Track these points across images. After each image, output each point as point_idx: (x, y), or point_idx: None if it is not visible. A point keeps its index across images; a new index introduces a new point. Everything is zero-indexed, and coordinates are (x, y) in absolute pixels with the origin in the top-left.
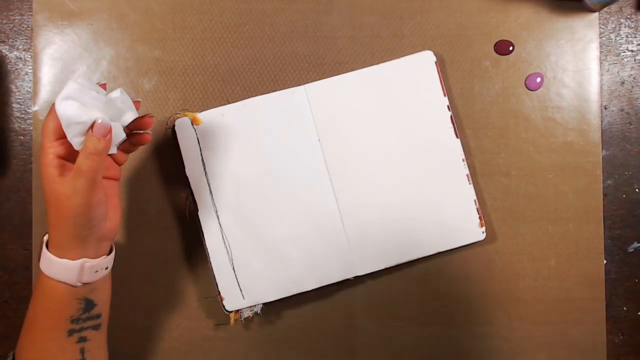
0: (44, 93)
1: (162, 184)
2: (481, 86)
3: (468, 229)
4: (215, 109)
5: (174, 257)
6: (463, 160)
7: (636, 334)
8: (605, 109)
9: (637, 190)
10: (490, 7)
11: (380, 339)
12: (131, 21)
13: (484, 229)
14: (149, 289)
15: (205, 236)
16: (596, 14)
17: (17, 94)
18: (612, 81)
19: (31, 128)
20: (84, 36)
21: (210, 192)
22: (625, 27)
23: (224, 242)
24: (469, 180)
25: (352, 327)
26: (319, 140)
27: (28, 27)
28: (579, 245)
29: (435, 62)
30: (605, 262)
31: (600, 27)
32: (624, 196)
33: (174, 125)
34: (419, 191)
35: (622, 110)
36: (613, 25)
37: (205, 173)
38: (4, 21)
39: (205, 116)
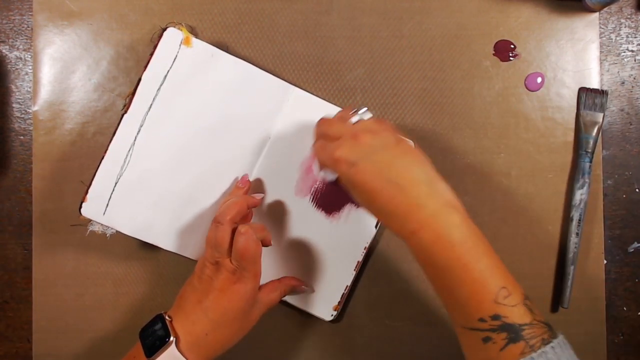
0: (44, 93)
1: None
2: (481, 86)
3: (323, 304)
4: (211, 46)
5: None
6: (364, 249)
7: (636, 334)
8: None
9: (637, 190)
10: (490, 7)
11: (380, 339)
12: (131, 21)
13: (335, 313)
14: None
15: (114, 138)
16: (596, 14)
17: (17, 94)
18: (612, 81)
19: (31, 128)
20: (84, 36)
21: (150, 108)
22: (625, 27)
23: (126, 156)
24: (355, 268)
25: (352, 327)
26: (269, 137)
27: (28, 27)
28: (579, 245)
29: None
30: (605, 262)
31: (600, 27)
32: (624, 196)
33: (165, 29)
34: (317, 245)
35: (622, 110)
36: (613, 25)
37: (158, 90)
38: (4, 21)
39: (197, 44)
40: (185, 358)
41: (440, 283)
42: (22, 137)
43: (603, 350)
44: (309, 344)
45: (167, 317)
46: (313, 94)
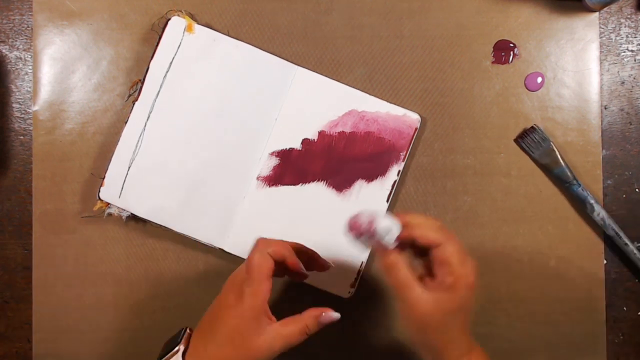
0: (44, 93)
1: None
2: (481, 86)
3: (339, 282)
4: (213, 31)
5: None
6: None
7: (636, 334)
8: (606, 109)
9: (637, 190)
10: (490, 7)
11: (380, 339)
12: (131, 21)
13: (352, 290)
14: None
15: (127, 124)
16: (596, 14)
17: (17, 94)
18: (612, 81)
19: (31, 128)
20: (84, 36)
21: (157, 94)
22: (625, 27)
23: (138, 141)
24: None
25: (352, 327)
26: (275, 119)
27: (28, 27)
28: (579, 245)
29: (416, 128)
30: (605, 262)
31: (600, 27)
32: (624, 196)
33: (168, 19)
34: (329, 224)
35: (622, 110)
36: (613, 25)
37: (164, 77)
38: (4, 21)
39: (199, 30)
40: None
41: None
42: (22, 137)
43: (603, 350)
44: (309, 344)
45: (188, 330)
46: (317, 72)
